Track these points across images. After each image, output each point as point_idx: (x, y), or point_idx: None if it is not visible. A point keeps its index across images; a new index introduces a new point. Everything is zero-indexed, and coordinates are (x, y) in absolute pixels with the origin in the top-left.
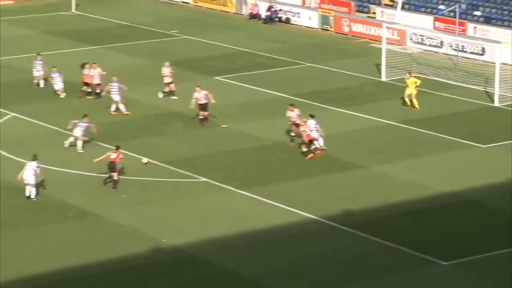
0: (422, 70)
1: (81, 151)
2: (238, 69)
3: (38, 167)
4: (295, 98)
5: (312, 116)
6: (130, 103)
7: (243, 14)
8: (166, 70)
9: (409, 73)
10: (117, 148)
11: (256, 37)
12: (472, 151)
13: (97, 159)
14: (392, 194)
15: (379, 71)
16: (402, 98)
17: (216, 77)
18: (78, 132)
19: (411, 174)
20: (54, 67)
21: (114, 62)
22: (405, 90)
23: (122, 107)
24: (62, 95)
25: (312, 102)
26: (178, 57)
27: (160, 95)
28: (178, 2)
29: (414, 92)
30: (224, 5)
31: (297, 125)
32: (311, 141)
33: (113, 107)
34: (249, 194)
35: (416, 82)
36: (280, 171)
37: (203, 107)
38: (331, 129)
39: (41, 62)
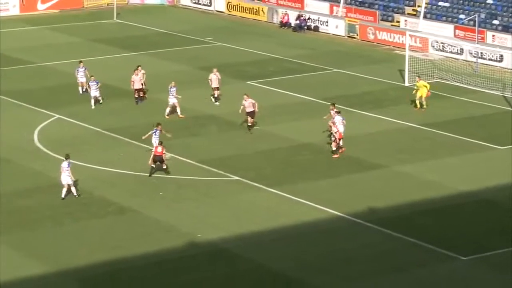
0: (443, 76)
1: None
2: (269, 74)
3: (69, 165)
4: (323, 102)
5: (338, 113)
6: (164, 105)
7: (274, 23)
8: (214, 76)
9: (418, 77)
10: (161, 143)
11: (286, 44)
12: (490, 153)
13: (145, 136)
14: (414, 193)
15: (402, 76)
16: (413, 101)
17: (249, 82)
18: (155, 141)
19: (432, 174)
20: (92, 76)
21: (154, 68)
22: (416, 93)
23: (178, 110)
24: (98, 102)
25: (338, 106)
26: (213, 63)
27: (212, 100)
28: (213, 11)
29: (424, 94)
30: (256, 14)
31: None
32: (340, 140)
33: (167, 110)
34: (278, 192)
35: (426, 86)
36: (308, 171)
37: (250, 114)
38: (356, 130)
39: (83, 69)
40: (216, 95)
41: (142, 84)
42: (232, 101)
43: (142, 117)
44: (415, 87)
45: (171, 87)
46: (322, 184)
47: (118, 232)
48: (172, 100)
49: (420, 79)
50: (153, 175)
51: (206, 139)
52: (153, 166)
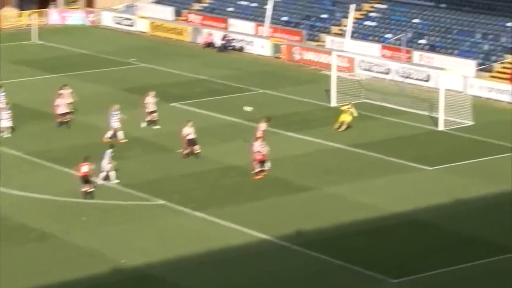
0: (370, 96)
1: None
2: (194, 95)
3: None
4: (249, 123)
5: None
6: (90, 128)
7: (198, 43)
8: (150, 100)
9: (350, 103)
10: (86, 160)
11: (211, 65)
12: (418, 173)
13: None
14: (343, 214)
15: (329, 97)
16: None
17: (173, 104)
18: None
19: (361, 195)
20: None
21: (76, 90)
22: (340, 115)
23: (120, 134)
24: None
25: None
26: (136, 84)
27: (143, 124)
28: (135, 31)
29: (348, 119)
30: (180, 34)
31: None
32: (262, 162)
33: (108, 134)
34: (205, 216)
35: (352, 113)
36: (235, 193)
37: (192, 142)
38: (283, 152)
39: (3, 94)
40: (154, 119)
41: (69, 105)
42: (157, 123)
43: (64, 140)
44: (344, 109)
45: (113, 110)
46: (250, 207)
47: (40, 259)
48: (115, 124)
49: (352, 106)
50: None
51: (131, 162)
52: (84, 190)
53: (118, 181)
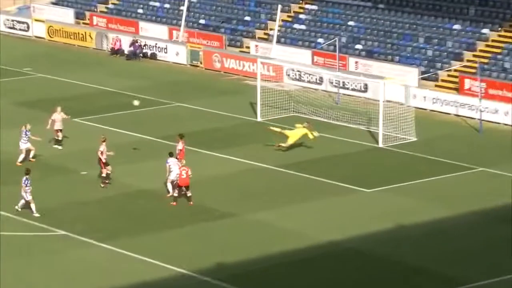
0: (300, 109)
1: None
2: (98, 110)
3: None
4: (162, 141)
5: (170, 155)
6: None
7: (104, 50)
8: (58, 116)
9: (308, 122)
10: None
11: (118, 75)
12: (355, 196)
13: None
14: (269, 244)
15: (254, 110)
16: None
17: (75, 119)
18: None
19: (289, 221)
20: None
21: None
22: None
23: (32, 153)
24: None
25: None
26: (32, 97)
27: (56, 146)
28: (31, 37)
29: (292, 141)
30: (82, 40)
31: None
32: (181, 187)
33: (20, 157)
34: (113, 248)
35: (312, 135)
36: (147, 221)
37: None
38: (202, 173)
39: None
40: (60, 138)
41: None
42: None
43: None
44: (297, 128)
45: (25, 130)
46: (164, 236)
47: None
48: (25, 145)
49: (309, 125)
50: None
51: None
52: None
53: (38, 215)
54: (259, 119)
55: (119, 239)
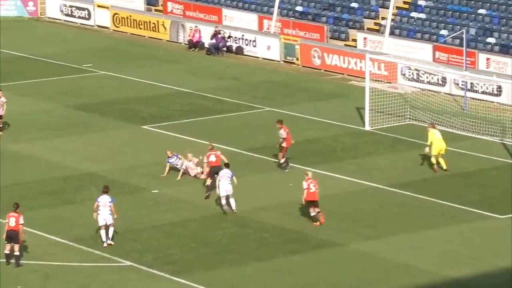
0: (418, 116)
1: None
2: (173, 115)
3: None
4: (249, 153)
5: (227, 166)
6: (29, 160)
7: (180, 42)
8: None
9: (431, 123)
10: (17, 208)
11: (197, 73)
12: (484, 223)
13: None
14: (378, 280)
15: (361, 117)
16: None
17: (144, 126)
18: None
19: (404, 253)
20: None
21: (8, 107)
22: (430, 147)
23: None
24: None
25: (271, 159)
26: (92, 99)
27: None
28: (92, 26)
29: (443, 150)
30: (154, 31)
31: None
32: (311, 202)
33: None
34: (188, 282)
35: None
36: (228, 251)
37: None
38: (296, 194)
39: None
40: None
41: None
42: (120, 153)
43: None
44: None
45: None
46: (250, 269)
47: None
48: None
49: (433, 127)
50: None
51: (84, 208)
52: (7, 251)
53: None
54: (367, 127)
55: (195, 273)
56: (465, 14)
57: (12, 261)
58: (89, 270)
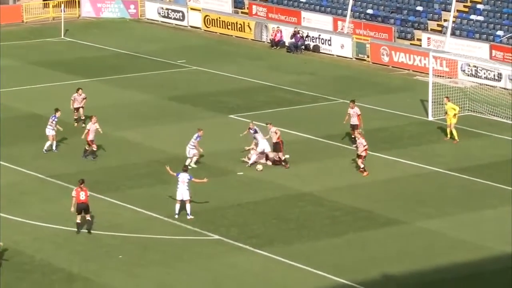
0: (476, 108)
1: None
2: (257, 106)
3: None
4: (325, 140)
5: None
6: (130, 145)
7: (263, 41)
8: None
9: (447, 97)
10: (82, 183)
11: (278, 68)
12: None
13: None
14: (440, 255)
15: (425, 108)
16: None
17: (231, 115)
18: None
19: (464, 231)
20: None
21: (110, 98)
22: (446, 119)
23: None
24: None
25: (344, 145)
26: (185, 91)
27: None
28: (186, 27)
29: (453, 121)
30: (240, 31)
31: None
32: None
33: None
34: (268, 254)
35: (454, 109)
36: (305, 227)
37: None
38: (367, 177)
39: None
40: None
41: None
42: (210, 140)
43: (95, 160)
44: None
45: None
46: (323, 244)
47: None
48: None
49: (449, 101)
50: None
51: (175, 187)
52: (78, 221)
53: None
54: (430, 118)
55: (275, 246)
56: None
57: (83, 230)
58: (182, 242)
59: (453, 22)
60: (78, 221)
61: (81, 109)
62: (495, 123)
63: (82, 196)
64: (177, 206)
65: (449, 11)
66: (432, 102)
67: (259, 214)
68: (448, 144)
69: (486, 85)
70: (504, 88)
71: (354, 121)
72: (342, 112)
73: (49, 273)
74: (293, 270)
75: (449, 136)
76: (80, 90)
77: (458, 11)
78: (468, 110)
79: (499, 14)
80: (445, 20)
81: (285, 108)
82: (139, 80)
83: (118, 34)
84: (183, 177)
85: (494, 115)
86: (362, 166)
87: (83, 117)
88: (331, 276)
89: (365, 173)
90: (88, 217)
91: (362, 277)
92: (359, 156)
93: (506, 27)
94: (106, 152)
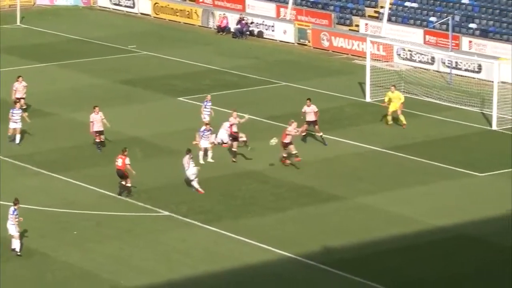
0: (411, 90)
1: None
2: (204, 89)
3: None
4: (268, 121)
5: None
6: (83, 127)
7: (210, 27)
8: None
9: (393, 86)
10: (124, 151)
11: (224, 53)
12: (467, 180)
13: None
14: (377, 228)
15: (363, 90)
16: (384, 116)
17: (180, 98)
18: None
19: (398, 206)
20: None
21: (64, 81)
22: (388, 107)
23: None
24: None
25: (286, 126)
26: (136, 75)
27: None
28: (136, 14)
29: (398, 109)
30: (188, 17)
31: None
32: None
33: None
34: (217, 230)
35: (400, 98)
36: (251, 204)
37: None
38: (309, 155)
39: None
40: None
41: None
42: (159, 121)
43: (51, 141)
44: (386, 99)
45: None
46: (268, 219)
47: (24, 280)
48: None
49: (395, 89)
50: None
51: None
52: (122, 183)
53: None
54: (368, 99)
55: (223, 221)
56: (451, 4)
57: (124, 194)
58: (133, 218)
59: (389, 8)
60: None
61: (22, 100)
62: (429, 104)
63: (119, 163)
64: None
65: None
66: (370, 84)
67: (207, 191)
68: (385, 124)
69: (420, 68)
70: (437, 71)
71: (311, 117)
72: (285, 94)
73: (7, 248)
74: (240, 244)
75: (390, 122)
76: (21, 78)
77: None
78: (404, 91)
79: (432, 1)
80: (381, 7)
81: (231, 91)
82: (92, 64)
83: (72, 20)
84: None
85: (427, 96)
86: (295, 152)
87: (25, 106)
88: (275, 249)
89: (298, 158)
90: (126, 182)
91: (304, 250)
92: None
93: (439, 13)
94: (61, 133)
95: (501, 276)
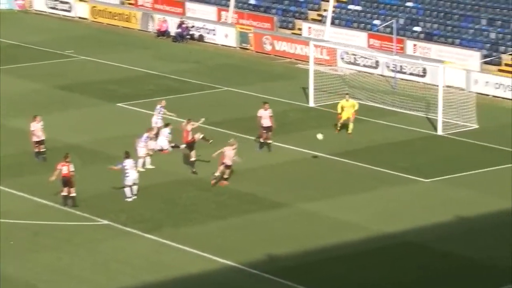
0: (355, 94)
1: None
2: (144, 94)
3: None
4: (210, 127)
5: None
6: (18, 134)
7: (150, 31)
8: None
9: (348, 94)
10: (66, 157)
11: (164, 58)
12: (412, 186)
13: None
14: (322, 235)
15: (306, 95)
16: (336, 124)
17: (119, 104)
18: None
19: (343, 212)
20: None
21: (1, 86)
22: (340, 117)
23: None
24: None
25: (229, 132)
26: (73, 81)
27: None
28: (73, 17)
29: (351, 117)
30: (127, 21)
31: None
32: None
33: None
34: (157, 238)
35: (354, 106)
36: (192, 211)
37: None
38: (252, 162)
39: None
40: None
41: None
42: (98, 127)
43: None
44: (340, 109)
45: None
46: (210, 227)
47: None
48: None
49: (349, 97)
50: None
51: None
52: (63, 193)
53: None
54: (311, 104)
55: (163, 230)
56: (395, 7)
57: (69, 204)
58: (72, 228)
59: (333, 12)
60: (64, 193)
61: None
62: (373, 109)
63: (65, 170)
64: (128, 190)
65: (328, 1)
66: (313, 89)
67: (147, 199)
68: (329, 129)
69: (364, 72)
70: (381, 75)
71: (267, 122)
72: (227, 99)
73: None
74: (180, 253)
75: (339, 129)
76: None
77: (337, 1)
78: (348, 96)
79: (375, 4)
80: (324, 10)
81: (172, 96)
82: (29, 69)
83: (7, 25)
84: (130, 163)
85: (372, 101)
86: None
87: None
88: (217, 258)
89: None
90: (72, 191)
91: (247, 259)
92: (227, 167)
93: (383, 16)
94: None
95: (444, 282)
